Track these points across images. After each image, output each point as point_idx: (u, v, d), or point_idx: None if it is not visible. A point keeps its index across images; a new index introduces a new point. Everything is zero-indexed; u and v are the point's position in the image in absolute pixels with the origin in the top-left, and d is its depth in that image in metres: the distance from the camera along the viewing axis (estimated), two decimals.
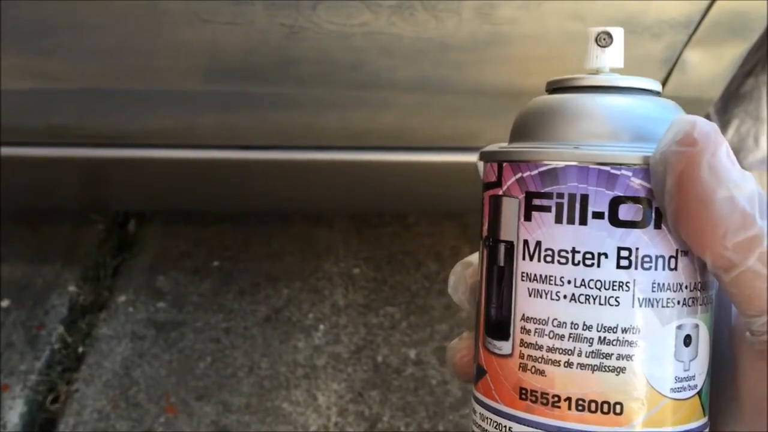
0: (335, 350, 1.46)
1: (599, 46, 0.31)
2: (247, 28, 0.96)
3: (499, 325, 0.31)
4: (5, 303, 1.56)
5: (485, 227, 0.32)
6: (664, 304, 0.28)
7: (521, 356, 0.30)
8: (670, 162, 0.27)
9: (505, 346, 0.30)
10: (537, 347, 0.29)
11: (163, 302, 1.57)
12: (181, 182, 1.33)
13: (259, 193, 1.40)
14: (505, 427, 0.30)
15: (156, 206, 1.72)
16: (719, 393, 0.31)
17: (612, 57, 0.31)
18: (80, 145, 1.20)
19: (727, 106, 1.11)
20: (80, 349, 1.47)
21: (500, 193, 0.31)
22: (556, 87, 0.32)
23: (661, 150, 0.27)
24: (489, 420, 0.31)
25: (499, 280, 0.31)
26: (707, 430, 0.30)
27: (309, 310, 1.55)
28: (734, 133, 1.13)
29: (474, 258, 0.35)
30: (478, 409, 0.32)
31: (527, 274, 0.30)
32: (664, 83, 1.01)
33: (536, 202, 0.29)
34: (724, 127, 1.12)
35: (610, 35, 0.31)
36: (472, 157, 1.30)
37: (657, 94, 0.32)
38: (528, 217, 0.29)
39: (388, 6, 0.92)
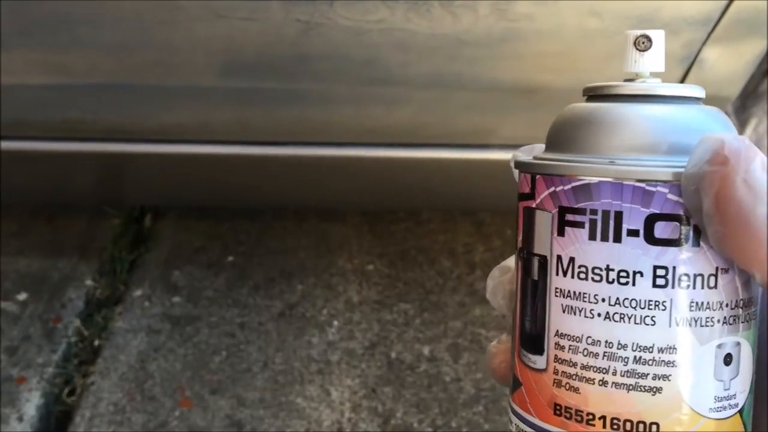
0: (349, 346, 1.46)
1: (638, 50, 0.30)
2: (263, 24, 0.96)
3: (533, 339, 0.30)
4: (22, 296, 1.57)
5: (520, 238, 0.31)
6: (703, 323, 0.27)
7: (555, 372, 0.29)
8: (703, 183, 0.26)
9: (539, 361, 0.30)
10: (571, 364, 0.29)
11: (178, 297, 1.58)
12: (196, 177, 1.34)
13: (273, 189, 1.40)
14: None
15: (171, 201, 1.73)
16: (764, 407, 0.30)
17: (652, 61, 0.30)
18: (97, 139, 1.21)
19: (745, 104, 1.10)
20: (96, 343, 1.48)
21: (534, 206, 0.30)
22: (593, 94, 0.31)
23: (691, 170, 0.26)
24: None
25: (533, 294, 0.30)
26: None
27: (323, 305, 1.55)
28: (752, 131, 1.12)
29: (511, 263, 0.34)
30: (515, 420, 0.31)
31: (561, 290, 0.29)
32: (681, 81, 1.00)
33: (569, 217, 0.28)
34: (742, 126, 1.11)
35: (649, 38, 0.30)
36: (487, 154, 1.29)
37: (698, 100, 0.30)
38: (561, 233, 0.29)
39: (404, 2, 0.92)
